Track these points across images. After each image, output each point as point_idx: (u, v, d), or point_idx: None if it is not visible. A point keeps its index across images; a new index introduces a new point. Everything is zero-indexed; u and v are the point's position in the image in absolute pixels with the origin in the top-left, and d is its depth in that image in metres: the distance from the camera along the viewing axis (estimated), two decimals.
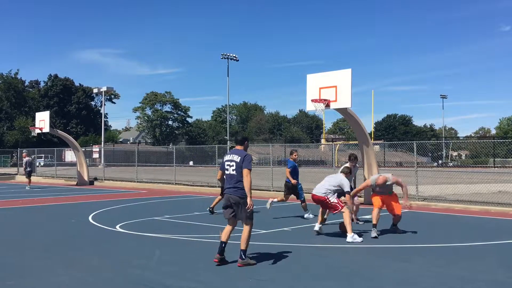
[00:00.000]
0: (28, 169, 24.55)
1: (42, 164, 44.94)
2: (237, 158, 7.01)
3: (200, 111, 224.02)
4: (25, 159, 25.02)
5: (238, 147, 7.28)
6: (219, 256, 6.94)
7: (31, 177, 25.03)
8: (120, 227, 10.64)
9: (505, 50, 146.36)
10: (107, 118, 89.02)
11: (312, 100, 14.77)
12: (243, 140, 7.35)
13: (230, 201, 7.00)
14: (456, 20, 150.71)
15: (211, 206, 13.18)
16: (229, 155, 7.20)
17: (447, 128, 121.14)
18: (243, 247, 6.90)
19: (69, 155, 46.57)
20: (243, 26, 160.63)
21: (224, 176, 7.31)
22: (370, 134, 38.13)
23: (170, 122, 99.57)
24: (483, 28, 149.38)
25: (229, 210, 7.06)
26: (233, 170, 7.01)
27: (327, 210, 9.60)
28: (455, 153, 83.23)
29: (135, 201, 17.39)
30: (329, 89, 14.58)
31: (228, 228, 7.09)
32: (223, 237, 7.02)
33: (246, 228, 6.97)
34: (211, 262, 7.10)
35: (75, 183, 27.85)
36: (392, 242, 8.96)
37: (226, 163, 7.14)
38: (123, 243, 8.86)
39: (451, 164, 66.50)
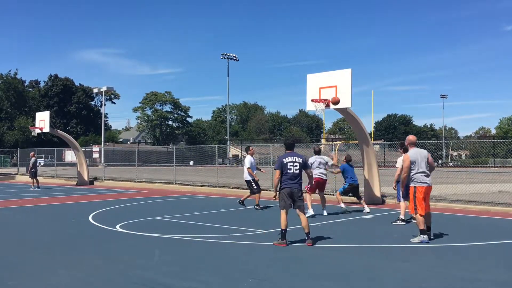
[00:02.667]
0: (33, 169, 24.29)
1: (42, 164, 44.92)
2: (299, 160, 8.48)
3: (200, 111, 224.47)
4: (32, 159, 24.80)
5: (290, 151, 8.65)
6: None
7: (37, 177, 24.54)
8: (120, 227, 10.64)
9: (505, 50, 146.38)
10: (107, 118, 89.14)
11: (312, 100, 14.77)
12: (293, 145, 8.82)
13: (294, 194, 8.38)
14: (456, 20, 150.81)
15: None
16: (290, 157, 8.49)
17: (447, 128, 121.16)
18: (308, 230, 8.46)
19: (69, 155, 46.59)
20: (243, 26, 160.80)
21: (284, 176, 8.43)
22: (370, 134, 38.10)
23: (170, 122, 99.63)
24: (483, 28, 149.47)
25: (290, 201, 8.41)
26: (296, 169, 8.43)
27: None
28: (455, 153, 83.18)
29: (135, 201, 17.38)
30: (329, 89, 14.58)
31: (286, 216, 8.39)
32: (286, 225, 8.36)
33: (303, 215, 8.50)
34: (212, 262, 7.12)
35: (75, 183, 27.86)
36: (392, 242, 8.96)
37: (289, 164, 8.42)
38: (123, 243, 8.86)
39: (451, 164, 66.47)
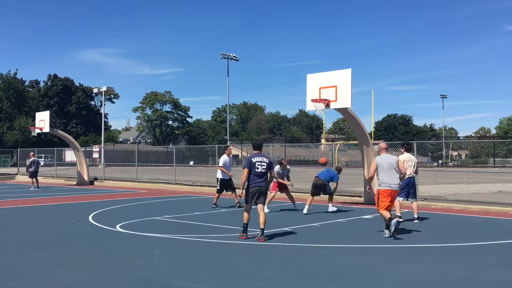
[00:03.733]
0: (31, 169, 24.23)
1: (42, 164, 44.90)
2: (266, 160, 9.17)
3: (200, 111, 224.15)
4: (30, 159, 24.72)
5: (257, 151, 9.27)
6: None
7: (37, 177, 24.46)
8: (120, 227, 10.63)
9: (505, 50, 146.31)
10: (107, 118, 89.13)
11: (312, 100, 14.77)
12: (261, 145, 9.45)
13: (261, 191, 9.01)
14: (456, 20, 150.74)
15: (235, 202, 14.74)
16: (258, 157, 9.12)
17: (447, 128, 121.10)
18: (263, 227, 8.97)
19: (69, 155, 46.55)
20: (243, 26, 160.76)
21: (252, 175, 9.02)
22: (370, 134, 38.07)
23: (170, 122, 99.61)
24: (483, 28, 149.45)
25: (256, 197, 8.98)
26: (263, 168, 9.08)
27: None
28: (455, 153, 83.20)
29: (135, 201, 17.38)
30: (329, 89, 14.58)
31: (249, 212, 9.05)
32: (248, 219, 9.03)
33: (263, 213, 9.06)
34: (212, 262, 7.12)
35: (75, 183, 27.84)
36: (392, 242, 8.96)
37: (257, 163, 9.05)
38: (123, 243, 8.86)
39: (451, 164, 66.50)
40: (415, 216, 11.70)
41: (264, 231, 8.96)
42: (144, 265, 6.98)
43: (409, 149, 11.93)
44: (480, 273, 6.53)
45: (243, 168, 9.15)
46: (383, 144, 10.16)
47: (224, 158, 14.86)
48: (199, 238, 9.18)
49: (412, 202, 11.84)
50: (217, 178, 14.94)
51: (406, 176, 11.19)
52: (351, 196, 17.49)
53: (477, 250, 8.35)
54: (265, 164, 9.09)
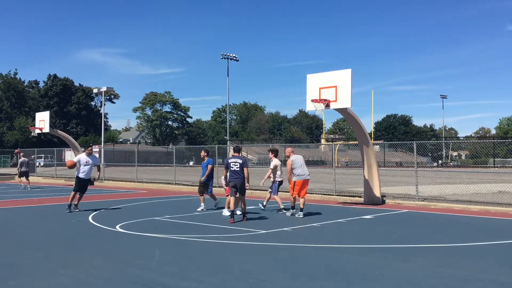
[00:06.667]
0: (23, 169, 24.33)
1: (42, 164, 44.95)
2: (240, 161, 11.47)
3: (200, 111, 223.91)
4: (20, 160, 24.86)
5: (236, 154, 11.69)
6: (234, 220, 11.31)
7: (28, 177, 24.57)
8: (120, 227, 10.64)
9: (506, 50, 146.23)
10: (107, 118, 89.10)
11: (312, 100, 14.77)
12: (240, 149, 11.98)
13: (236, 185, 11.30)
14: (456, 20, 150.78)
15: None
16: (233, 159, 11.51)
17: (447, 128, 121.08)
18: (245, 210, 11.78)
19: (69, 155, 46.47)
20: (243, 26, 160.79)
21: (228, 172, 11.46)
22: (370, 134, 38.06)
23: (170, 122, 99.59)
24: (484, 27, 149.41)
25: (235, 190, 11.35)
26: (237, 167, 11.40)
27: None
28: (455, 153, 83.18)
29: (135, 201, 17.38)
30: (329, 89, 14.58)
31: (233, 200, 11.40)
32: (232, 206, 11.39)
33: (243, 199, 11.65)
34: (211, 262, 7.12)
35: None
36: (392, 242, 8.97)
37: (232, 163, 11.43)
38: (123, 243, 8.86)
39: (451, 164, 66.51)
40: (281, 206, 13.37)
41: (246, 215, 11.69)
42: (144, 265, 6.98)
43: (276, 155, 13.51)
44: (480, 273, 6.53)
45: (224, 168, 11.80)
46: (289, 149, 13.12)
47: (79, 156, 14.16)
48: (199, 238, 9.18)
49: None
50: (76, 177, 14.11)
51: (276, 180, 13.48)
52: (351, 196, 17.49)
53: (477, 250, 8.35)
54: (238, 163, 11.39)
